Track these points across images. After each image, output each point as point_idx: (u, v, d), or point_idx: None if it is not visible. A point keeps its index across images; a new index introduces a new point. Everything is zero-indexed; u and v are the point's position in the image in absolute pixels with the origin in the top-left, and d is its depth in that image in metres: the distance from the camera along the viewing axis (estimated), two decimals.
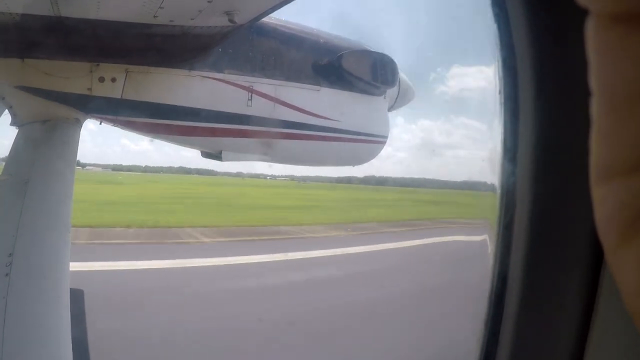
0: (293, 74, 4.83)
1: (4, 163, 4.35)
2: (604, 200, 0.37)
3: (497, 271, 1.40)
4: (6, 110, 4.46)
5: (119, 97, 4.20)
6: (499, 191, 1.40)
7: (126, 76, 4.18)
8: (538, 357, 1.34)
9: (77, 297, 6.21)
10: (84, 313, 6.33)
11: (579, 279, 1.21)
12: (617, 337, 1.15)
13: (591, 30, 0.35)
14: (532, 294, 1.32)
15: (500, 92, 1.30)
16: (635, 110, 0.34)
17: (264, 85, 4.65)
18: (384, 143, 5.73)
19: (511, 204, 1.32)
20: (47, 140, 4.28)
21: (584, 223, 1.16)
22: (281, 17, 4.91)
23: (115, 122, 4.56)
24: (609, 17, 0.34)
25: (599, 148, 0.36)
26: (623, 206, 0.35)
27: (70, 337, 3.61)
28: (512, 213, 1.32)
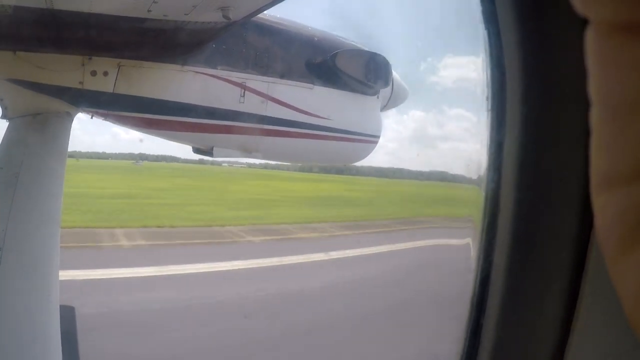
0: (286, 72, 4.83)
1: None
2: (604, 209, 0.36)
3: (480, 270, 1.40)
4: None
5: (111, 91, 4.17)
6: (484, 189, 1.40)
7: (118, 70, 4.16)
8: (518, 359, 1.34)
9: (67, 315, 5.80)
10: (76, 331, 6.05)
11: (561, 282, 1.21)
12: (597, 342, 1.16)
13: (590, 38, 0.35)
14: (514, 297, 1.32)
15: (488, 86, 1.32)
16: (635, 119, 0.34)
17: (257, 82, 4.65)
18: (376, 143, 5.74)
19: (495, 202, 1.32)
20: (37, 133, 4.25)
21: (569, 224, 1.17)
22: (276, 14, 4.93)
23: (106, 117, 4.54)
24: (608, 26, 0.34)
25: (598, 156, 0.36)
26: (623, 215, 0.35)
27: (59, 330, 3.59)
28: (496, 211, 1.32)
